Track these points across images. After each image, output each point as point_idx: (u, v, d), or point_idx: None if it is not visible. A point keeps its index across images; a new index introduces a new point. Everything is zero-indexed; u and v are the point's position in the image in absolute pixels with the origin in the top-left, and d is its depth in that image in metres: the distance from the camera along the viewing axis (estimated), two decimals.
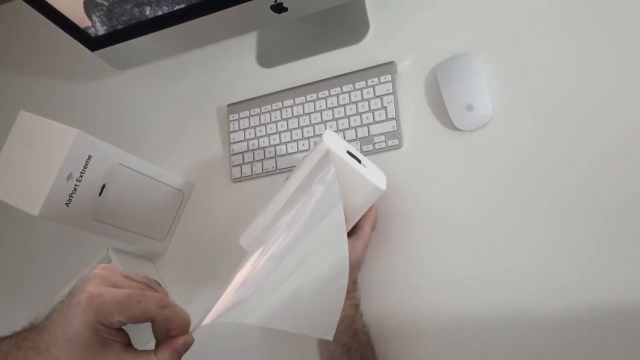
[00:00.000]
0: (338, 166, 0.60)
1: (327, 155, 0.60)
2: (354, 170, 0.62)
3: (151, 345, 0.45)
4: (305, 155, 0.65)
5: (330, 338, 0.47)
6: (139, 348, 0.44)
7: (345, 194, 0.59)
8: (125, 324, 0.42)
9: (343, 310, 0.59)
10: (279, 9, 0.78)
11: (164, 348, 0.44)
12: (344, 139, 0.78)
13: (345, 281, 0.50)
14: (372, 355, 0.66)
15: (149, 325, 0.45)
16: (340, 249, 0.51)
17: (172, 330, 0.44)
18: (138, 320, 0.42)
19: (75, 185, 0.68)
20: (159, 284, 0.49)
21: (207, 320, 0.46)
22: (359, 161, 0.63)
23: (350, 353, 0.64)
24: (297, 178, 0.63)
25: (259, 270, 0.51)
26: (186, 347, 0.45)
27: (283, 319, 0.49)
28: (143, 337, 0.50)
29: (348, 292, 0.64)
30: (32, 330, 0.45)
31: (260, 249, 0.54)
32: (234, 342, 0.76)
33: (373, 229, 0.69)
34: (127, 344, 0.44)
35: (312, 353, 0.69)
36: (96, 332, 0.41)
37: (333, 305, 0.49)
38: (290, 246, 0.52)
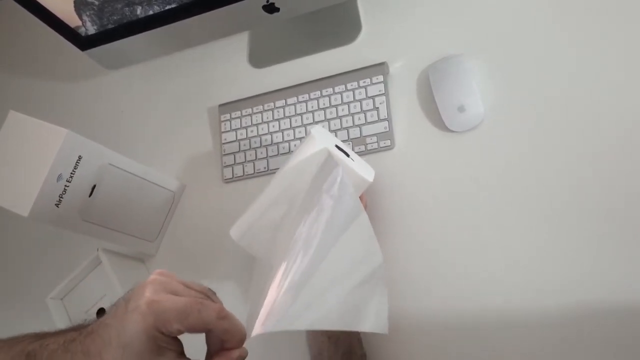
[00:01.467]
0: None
1: (330, 159, 0.61)
2: (343, 164, 0.63)
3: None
4: (294, 150, 0.66)
5: (386, 331, 0.47)
6: None
7: None
8: (183, 332, 0.42)
9: None
10: (270, 9, 0.78)
11: (218, 359, 0.44)
12: None
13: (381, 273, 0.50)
14: (359, 346, 0.66)
15: None
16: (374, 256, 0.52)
17: (227, 342, 0.44)
18: (196, 330, 0.42)
19: (65, 186, 0.67)
20: (215, 294, 0.48)
21: (256, 331, 0.46)
22: (347, 155, 0.65)
23: (337, 343, 0.64)
24: (288, 172, 0.64)
25: (298, 271, 0.51)
26: None
27: (333, 319, 0.49)
28: None
29: None
30: (81, 332, 0.43)
31: (284, 264, 0.54)
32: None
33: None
34: (181, 353, 0.43)
35: (301, 345, 0.69)
36: (153, 339, 0.40)
37: (380, 297, 0.49)
38: (312, 264, 0.53)
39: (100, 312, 0.78)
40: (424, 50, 0.79)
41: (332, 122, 0.79)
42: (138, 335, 0.40)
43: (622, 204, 0.63)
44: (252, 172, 0.83)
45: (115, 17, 0.78)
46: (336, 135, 0.78)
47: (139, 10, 0.78)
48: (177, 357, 0.43)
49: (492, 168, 0.70)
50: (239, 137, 0.85)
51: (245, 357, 0.45)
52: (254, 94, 0.87)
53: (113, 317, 0.42)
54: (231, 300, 0.76)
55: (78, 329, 0.44)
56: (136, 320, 0.40)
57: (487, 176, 0.70)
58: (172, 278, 0.44)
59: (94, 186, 0.72)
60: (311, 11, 0.81)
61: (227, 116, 0.87)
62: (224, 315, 0.43)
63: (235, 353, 0.44)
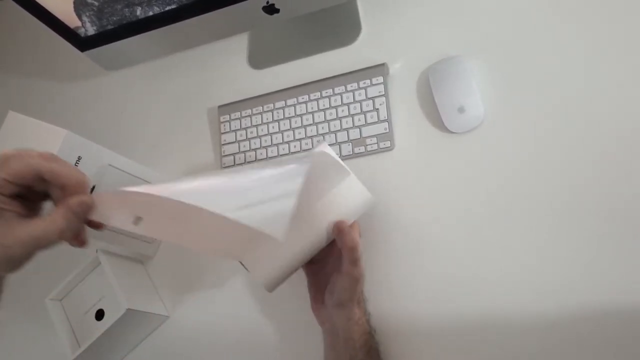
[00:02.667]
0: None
1: (337, 165, 0.61)
2: (353, 179, 0.62)
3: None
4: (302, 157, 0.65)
5: (280, 237, 0.44)
6: None
7: (342, 203, 0.62)
8: (14, 183, 0.41)
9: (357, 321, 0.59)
10: (270, 10, 0.78)
11: (57, 208, 0.42)
12: (336, 140, 0.79)
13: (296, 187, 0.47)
14: (376, 357, 0.65)
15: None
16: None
17: (67, 189, 0.42)
18: (24, 176, 0.41)
19: None
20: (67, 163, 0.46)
21: (125, 188, 0.44)
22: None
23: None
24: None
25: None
26: (83, 207, 0.43)
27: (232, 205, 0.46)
28: None
29: (358, 302, 0.64)
30: None
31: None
32: (249, 339, 0.75)
33: (359, 236, 0.65)
34: (23, 214, 0.43)
35: (317, 352, 0.68)
36: None
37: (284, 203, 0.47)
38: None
39: (100, 313, 0.78)
40: (424, 50, 0.79)
41: (331, 123, 0.79)
42: None
43: (622, 204, 0.63)
44: None
45: (115, 18, 0.78)
46: (336, 136, 0.79)
47: (138, 11, 0.78)
48: (17, 216, 0.42)
49: (492, 169, 0.70)
50: (238, 138, 0.85)
51: (89, 204, 0.43)
52: (254, 95, 0.87)
53: None
54: (232, 301, 0.76)
55: None
56: None
57: (487, 177, 0.70)
58: (22, 150, 0.43)
59: (94, 187, 0.72)
60: (311, 12, 0.81)
61: (227, 117, 0.87)
62: (52, 158, 0.42)
63: (75, 199, 0.43)
